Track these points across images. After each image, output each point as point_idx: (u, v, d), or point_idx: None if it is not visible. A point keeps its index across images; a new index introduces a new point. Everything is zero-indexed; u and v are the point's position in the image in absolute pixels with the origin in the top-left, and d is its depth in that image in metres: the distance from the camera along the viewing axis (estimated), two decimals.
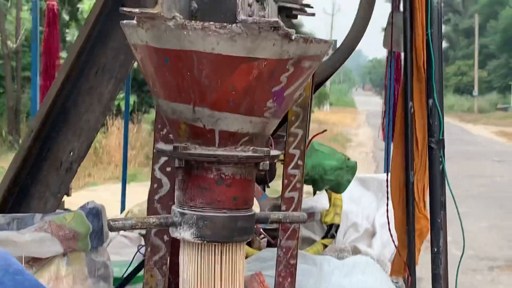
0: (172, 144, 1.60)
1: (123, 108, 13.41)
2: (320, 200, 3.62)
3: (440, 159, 1.56)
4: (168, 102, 1.56)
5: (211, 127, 1.60)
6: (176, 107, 1.55)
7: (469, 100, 37.02)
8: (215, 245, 1.82)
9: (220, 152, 1.60)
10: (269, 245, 3.10)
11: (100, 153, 12.91)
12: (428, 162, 1.58)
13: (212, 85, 1.47)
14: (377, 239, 3.88)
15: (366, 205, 4.06)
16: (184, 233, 1.81)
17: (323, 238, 3.41)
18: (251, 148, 1.63)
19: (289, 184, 2.11)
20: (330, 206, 3.45)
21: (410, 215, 2.88)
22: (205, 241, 1.79)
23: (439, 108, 2.31)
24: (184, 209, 1.68)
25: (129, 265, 2.73)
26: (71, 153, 2.60)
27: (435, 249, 1.58)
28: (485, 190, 9.99)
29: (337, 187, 3.48)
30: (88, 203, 2.23)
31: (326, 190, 3.55)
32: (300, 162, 2.12)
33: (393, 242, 3.05)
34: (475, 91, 35.20)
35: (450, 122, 26.26)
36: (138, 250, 2.66)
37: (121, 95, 10.75)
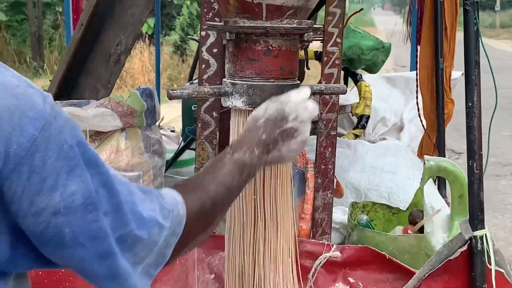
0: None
1: (145, 31, 13.52)
2: (349, 95, 3.77)
3: (475, 21, 1.69)
4: None
5: (258, 1, 1.74)
6: None
7: (491, 15, 36.54)
8: None
9: (267, 24, 1.74)
10: None
11: (124, 76, 13.06)
12: (463, 24, 1.72)
13: None
14: (405, 133, 4.02)
15: (394, 101, 4.19)
16: (236, 102, 1.97)
17: (354, 129, 3.57)
18: (296, 21, 1.77)
19: (329, 61, 2.25)
20: (360, 99, 3.60)
21: (440, 100, 3.04)
22: (255, 108, 1.96)
23: None
24: (235, 80, 1.82)
25: (179, 147, 2.92)
26: (118, 46, 2.76)
27: (470, 104, 1.72)
28: (507, 101, 10.07)
29: (372, 67, 3.63)
30: (140, 86, 2.41)
31: (355, 84, 3.69)
32: (338, 40, 2.25)
33: (423, 126, 3.21)
34: (497, 6, 34.75)
35: None
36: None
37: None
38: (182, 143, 3.11)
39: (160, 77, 5.40)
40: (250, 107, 1.94)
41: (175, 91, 1.81)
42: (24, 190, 0.97)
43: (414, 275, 1.62)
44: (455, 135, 7.15)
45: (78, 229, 1.01)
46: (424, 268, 1.62)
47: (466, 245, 1.88)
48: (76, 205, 1.00)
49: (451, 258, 1.62)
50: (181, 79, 13.29)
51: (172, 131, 4.21)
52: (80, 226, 1.02)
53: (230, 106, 1.97)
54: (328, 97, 2.24)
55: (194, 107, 3.55)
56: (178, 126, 4.30)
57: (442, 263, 1.61)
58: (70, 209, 1.00)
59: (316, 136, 2.30)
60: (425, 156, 2.23)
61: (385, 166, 2.92)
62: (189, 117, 3.35)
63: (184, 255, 2.30)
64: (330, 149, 2.27)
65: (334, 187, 2.31)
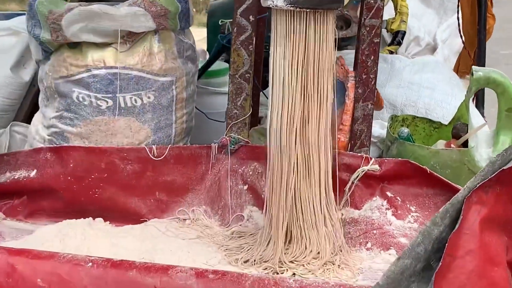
0: None
1: None
2: (385, 10, 3.61)
3: None
4: None
5: None
6: None
7: None
8: (306, 12, 1.87)
9: None
10: None
11: None
12: None
13: None
14: (438, 53, 3.89)
15: (427, 21, 4.04)
16: (277, 1, 1.86)
17: (389, 45, 3.44)
18: None
19: None
20: (396, 14, 3.46)
21: (482, 14, 2.90)
22: (297, 8, 1.85)
23: None
24: None
25: (212, 54, 2.81)
26: None
27: None
28: None
29: None
30: None
31: None
32: None
33: (463, 42, 3.08)
34: None
35: None
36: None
37: None
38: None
39: None
40: (292, 6, 1.84)
41: None
42: None
43: (465, 185, 1.53)
44: None
45: None
46: (475, 178, 1.53)
47: None
48: None
49: (504, 168, 1.52)
50: None
51: None
52: None
53: (270, 5, 1.86)
54: (372, 1, 2.12)
55: (222, 21, 3.43)
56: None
57: (495, 173, 1.51)
58: None
59: (356, 44, 2.19)
60: (473, 67, 2.11)
61: (423, 82, 2.81)
62: (215, 35, 3.24)
63: (217, 165, 2.22)
64: (372, 58, 2.16)
65: (375, 98, 2.20)
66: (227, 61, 2.93)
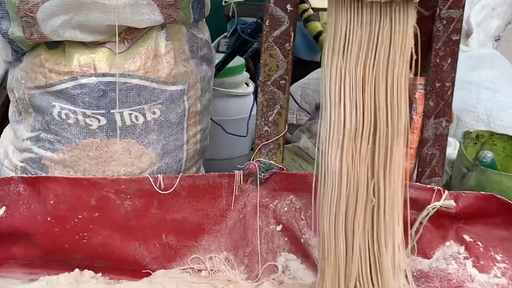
0: None
1: None
2: None
3: None
4: None
5: None
6: None
7: None
8: (380, 3, 1.38)
9: None
10: None
11: None
12: None
13: None
14: (474, 39, 3.40)
15: None
16: None
17: None
18: None
19: None
20: None
21: None
22: None
23: None
24: None
25: (230, 50, 2.27)
26: None
27: None
28: None
29: None
30: None
31: None
32: None
33: None
34: None
35: None
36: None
37: None
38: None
39: None
40: None
41: None
42: None
43: None
44: None
45: None
46: None
47: None
48: None
49: None
50: None
51: None
52: None
53: None
54: None
55: (225, 1, 2.93)
56: None
57: None
58: None
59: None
60: None
61: (482, 81, 2.31)
62: (216, 19, 2.72)
63: (242, 198, 1.72)
64: (449, 60, 1.65)
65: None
66: (243, 53, 2.40)
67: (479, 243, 1.70)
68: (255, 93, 2.05)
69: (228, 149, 2.22)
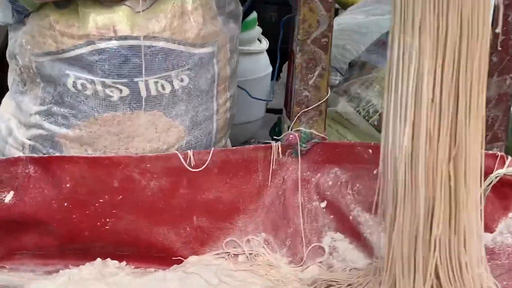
0: None
1: None
2: None
3: None
4: None
5: None
6: None
7: None
8: None
9: None
10: None
11: None
12: None
13: None
14: None
15: None
16: None
17: None
18: None
19: None
20: None
21: None
22: None
23: None
24: None
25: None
26: None
27: None
28: None
29: None
30: None
31: None
32: None
33: None
34: None
35: None
36: None
37: None
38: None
39: None
40: None
41: None
42: None
43: None
44: None
45: None
46: None
47: None
48: None
49: None
50: None
51: None
52: None
53: None
54: None
55: None
56: None
57: None
58: None
59: None
60: None
61: None
62: None
63: (280, 172, 1.53)
64: None
65: None
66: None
67: None
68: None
69: (244, 112, 2.01)
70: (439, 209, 1.25)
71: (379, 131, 1.66)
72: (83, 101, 1.41)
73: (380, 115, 1.63)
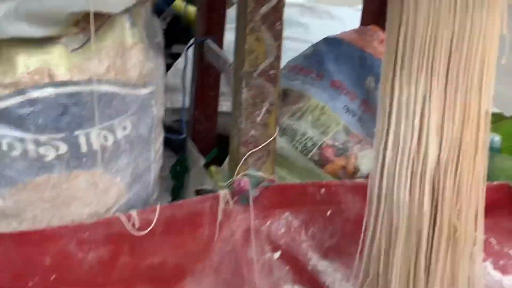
0: None
1: None
2: None
3: None
4: None
5: None
6: None
7: None
8: None
9: None
10: None
11: None
12: None
13: None
14: None
15: None
16: None
17: None
18: None
19: None
20: None
21: None
22: None
23: None
24: None
25: None
26: None
27: None
28: None
29: None
30: None
31: None
32: None
33: None
34: None
35: None
36: None
37: None
38: None
39: None
40: None
41: None
42: None
43: None
44: None
45: None
46: None
47: None
48: None
49: None
50: None
51: None
52: None
53: None
54: None
55: None
56: None
57: None
58: None
59: None
60: None
61: None
62: None
63: (227, 224, 1.35)
64: None
65: None
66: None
67: (492, 239, 1.50)
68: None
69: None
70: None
71: (321, 165, 1.53)
72: (9, 164, 1.11)
73: (320, 148, 1.49)
